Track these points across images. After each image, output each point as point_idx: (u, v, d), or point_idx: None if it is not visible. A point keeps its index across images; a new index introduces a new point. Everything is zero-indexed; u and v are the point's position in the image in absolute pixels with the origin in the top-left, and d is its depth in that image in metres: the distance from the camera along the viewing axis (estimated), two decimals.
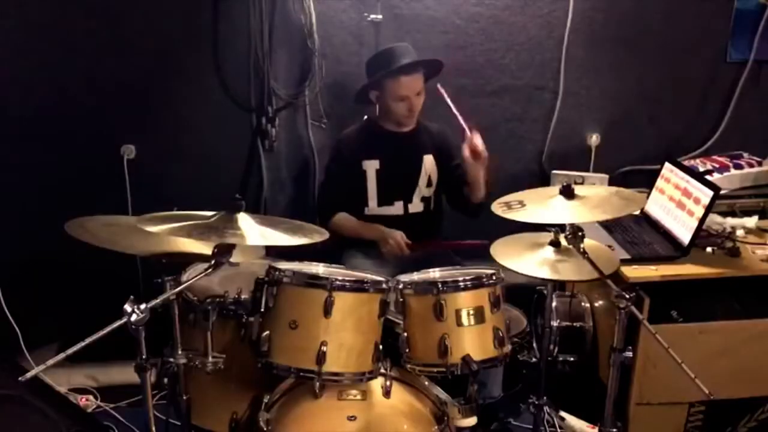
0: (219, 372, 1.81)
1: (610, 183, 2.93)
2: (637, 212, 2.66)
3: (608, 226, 2.57)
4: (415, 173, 2.58)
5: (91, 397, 2.63)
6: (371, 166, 2.55)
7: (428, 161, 2.60)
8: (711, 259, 2.31)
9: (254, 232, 1.66)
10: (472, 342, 1.77)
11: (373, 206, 2.58)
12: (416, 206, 2.60)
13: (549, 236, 1.97)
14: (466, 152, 2.39)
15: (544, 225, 1.93)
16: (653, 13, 2.94)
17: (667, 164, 2.62)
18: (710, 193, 2.25)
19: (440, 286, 1.77)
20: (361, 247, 2.58)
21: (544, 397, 2.23)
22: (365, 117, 2.67)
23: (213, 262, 1.61)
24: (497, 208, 1.90)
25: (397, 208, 2.58)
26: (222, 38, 2.72)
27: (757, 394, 2.33)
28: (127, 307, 1.43)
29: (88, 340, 1.35)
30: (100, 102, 2.69)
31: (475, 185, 2.46)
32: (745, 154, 2.93)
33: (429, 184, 2.60)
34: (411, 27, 2.85)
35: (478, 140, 2.38)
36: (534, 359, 2.22)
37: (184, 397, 1.88)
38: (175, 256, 1.84)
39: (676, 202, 2.45)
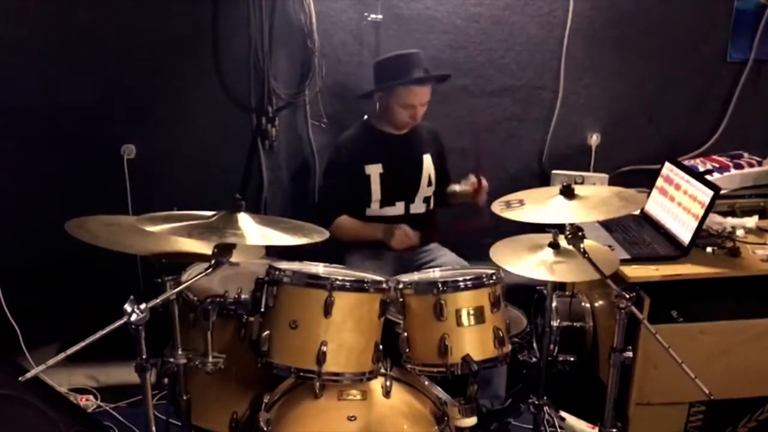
0: (219, 372, 1.81)
1: (610, 183, 2.94)
2: (637, 212, 2.66)
3: (608, 226, 2.57)
4: (417, 174, 2.58)
5: (91, 397, 2.64)
6: (375, 170, 2.55)
7: (427, 161, 2.60)
8: (711, 259, 2.31)
9: (254, 232, 1.66)
10: (472, 342, 1.77)
11: (375, 208, 2.58)
12: (418, 207, 2.60)
13: (548, 238, 1.97)
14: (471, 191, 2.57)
15: (544, 225, 1.93)
16: (653, 13, 2.95)
17: (667, 164, 2.62)
18: (710, 193, 2.25)
19: (440, 286, 1.77)
20: (362, 248, 2.58)
21: (544, 397, 2.23)
22: (365, 117, 2.66)
23: (213, 262, 1.61)
24: (497, 207, 1.90)
25: (398, 209, 2.58)
26: (222, 38, 2.72)
27: (757, 394, 2.33)
28: (127, 307, 1.43)
29: (88, 340, 1.35)
30: (100, 102, 2.69)
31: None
32: (745, 154, 2.94)
33: (429, 183, 2.60)
34: (411, 27, 2.85)
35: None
36: (534, 359, 2.22)
37: (184, 397, 1.87)
38: (175, 256, 1.84)
39: (676, 202, 2.45)
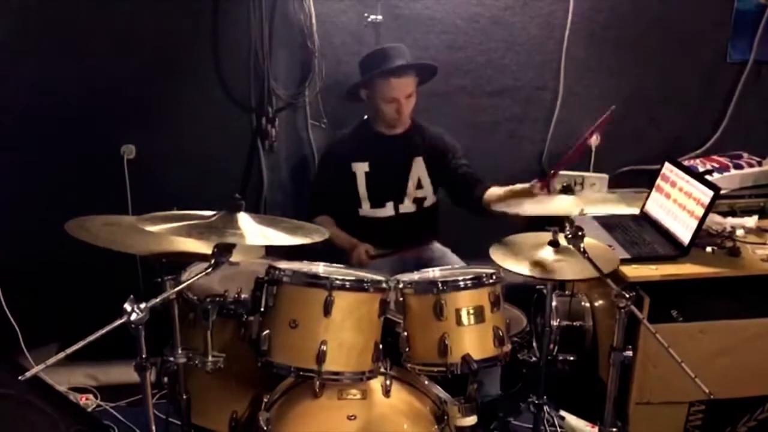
0: (219, 371, 1.81)
1: (610, 183, 2.94)
2: (637, 212, 2.67)
3: (608, 225, 2.57)
4: (403, 175, 2.58)
5: (91, 397, 2.64)
6: (360, 169, 2.55)
7: (418, 163, 2.58)
8: (711, 258, 2.31)
9: (254, 231, 1.66)
10: (472, 341, 1.77)
11: (366, 208, 2.59)
12: (407, 207, 2.60)
13: (548, 236, 1.98)
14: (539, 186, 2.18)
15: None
16: (653, 13, 2.95)
17: (667, 164, 2.62)
18: (710, 193, 2.25)
19: (440, 285, 1.77)
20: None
21: (544, 397, 2.23)
22: (365, 117, 2.67)
23: (213, 261, 1.61)
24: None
25: (388, 210, 2.59)
26: (222, 38, 2.72)
27: (757, 393, 2.33)
28: (127, 307, 1.43)
29: (88, 340, 1.35)
30: (100, 102, 2.69)
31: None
32: (745, 154, 2.94)
33: (419, 186, 2.59)
34: (411, 27, 2.85)
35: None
36: (534, 359, 2.22)
37: (184, 397, 1.88)
38: (175, 256, 1.84)
39: (676, 202, 2.45)
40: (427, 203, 2.62)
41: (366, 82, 2.50)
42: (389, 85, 2.44)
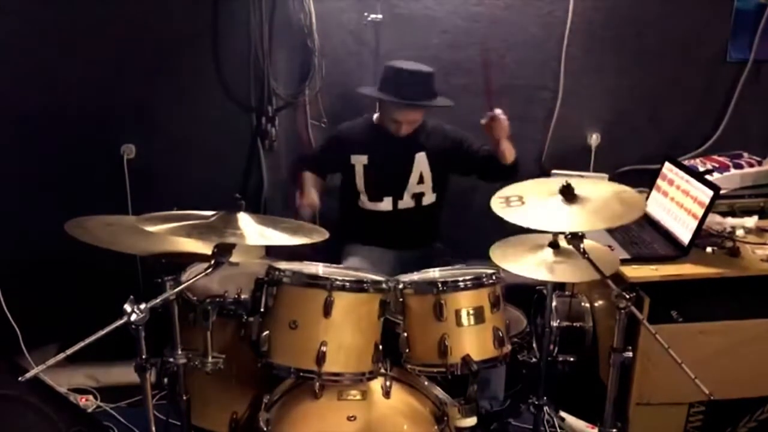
0: (219, 372, 1.81)
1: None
2: None
3: None
4: (405, 170, 2.58)
5: (91, 397, 2.64)
6: (359, 162, 2.57)
7: (420, 158, 2.58)
8: (711, 259, 2.31)
9: (254, 231, 1.66)
10: (472, 342, 1.77)
11: (364, 200, 2.61)
12: (406, 203, 2.60)
13: (548, 238, 1.97)
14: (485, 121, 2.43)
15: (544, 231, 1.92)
16: (653, 12, 2.94)
17: (667, 164, 2.62)
18: (710, 193, 2.25)
19: (440, 286, 1.77)
20: (361, 247, 2.59)
21: (544, 397, 2.23)
22: (364, 116, 2.67)
23: (213, 261, 1.61)
24: (497, 204, 1.89)
25: (386, 204, 2.60)
26: (222, 38, 2.72)
27: (757, 394, 2.33)
28: (127, 307, 1.43)
29: (88, 340, 1.35)
30: (100, 102, 2.69)
31: (501, 147, 2.49)
32: (745, 154, 2.93)
33: (421, 181, 2.59)
34: (411, 27, 2.85)
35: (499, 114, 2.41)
36: (534, 359, 2.23)
37: (184, 397, 1.88)
38: (175, 256, 1.84)
39: (676, 202, 2.45)
40: (425, 200, 2.62)
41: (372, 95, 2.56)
42: (397, 110, 2.49)
